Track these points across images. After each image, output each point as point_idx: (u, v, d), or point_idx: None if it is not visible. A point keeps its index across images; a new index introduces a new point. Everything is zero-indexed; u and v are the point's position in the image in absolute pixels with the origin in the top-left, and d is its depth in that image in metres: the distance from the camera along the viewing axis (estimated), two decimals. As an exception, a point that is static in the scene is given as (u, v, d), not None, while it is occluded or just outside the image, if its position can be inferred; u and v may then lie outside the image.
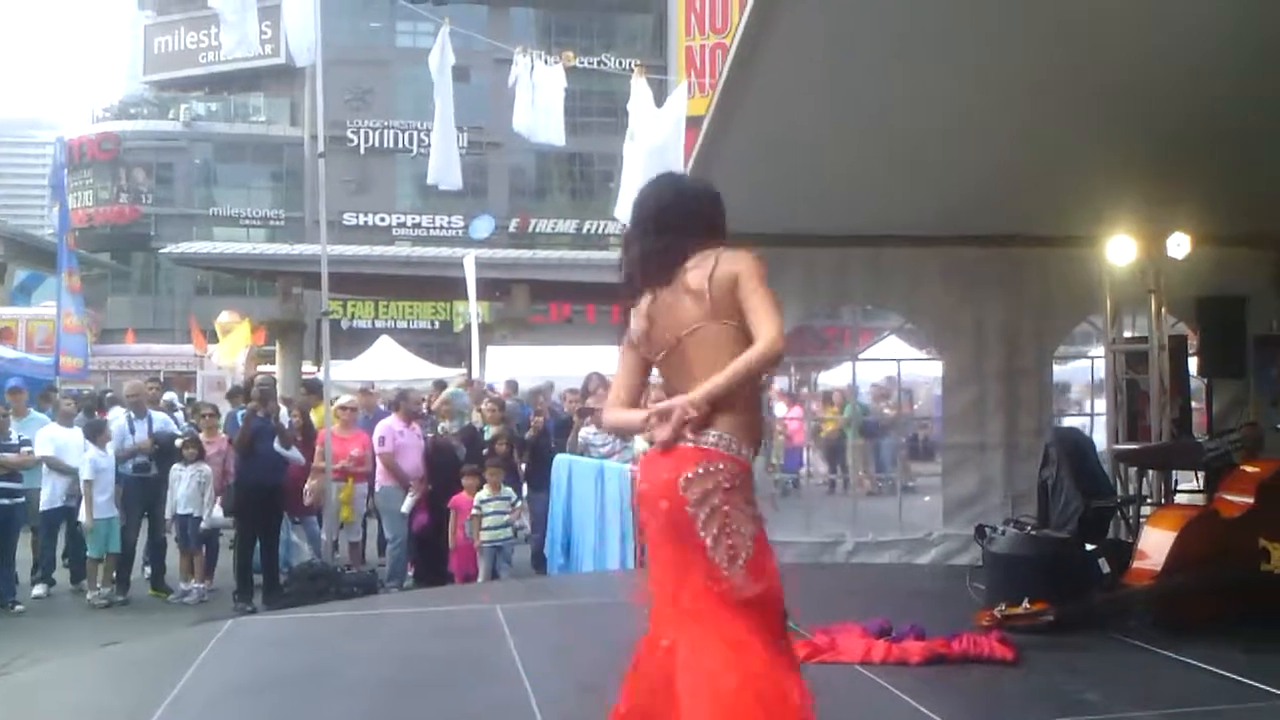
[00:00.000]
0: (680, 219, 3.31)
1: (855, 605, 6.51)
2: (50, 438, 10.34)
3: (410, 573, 10.46)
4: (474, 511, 9.55)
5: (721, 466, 3.05)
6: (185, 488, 10.10)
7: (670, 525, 3.07)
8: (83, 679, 6.04)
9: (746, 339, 3.10)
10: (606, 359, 16.71)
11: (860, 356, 10.86)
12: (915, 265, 8.76)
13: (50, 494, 10.22)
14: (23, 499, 10.16)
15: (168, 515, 10.25)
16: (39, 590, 10.21)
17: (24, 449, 10.12)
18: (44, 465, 10.23)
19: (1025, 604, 5.82)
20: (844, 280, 8.86)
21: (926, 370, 13.74)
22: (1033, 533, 6.78)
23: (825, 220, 8.21)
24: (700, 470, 3.03)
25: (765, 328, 3.08)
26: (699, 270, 3.18)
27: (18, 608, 9.64)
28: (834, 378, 18.04)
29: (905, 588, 7.67)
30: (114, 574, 10.01)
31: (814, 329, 10.76)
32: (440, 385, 15.41)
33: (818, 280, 8.75)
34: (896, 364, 10.84)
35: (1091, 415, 11.31)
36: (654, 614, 3.17)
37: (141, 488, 10.27)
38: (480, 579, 9.51)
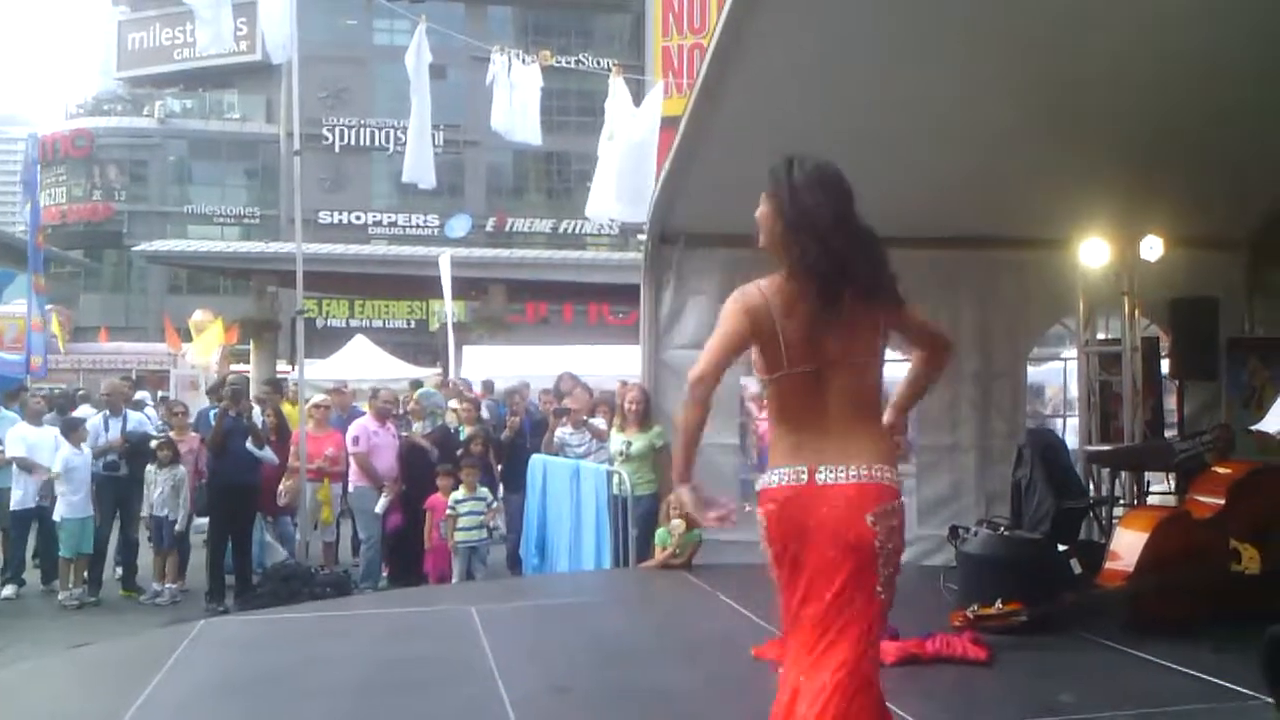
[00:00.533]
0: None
1: (830, 606, 6.51)
2: (21, 437, 10.24)
3: (384, 573, 10.41)
4: (448, 512, 9.51)
5: (899, 504, 3.09)
6: (160, 490, 10.00)
7: (849, 556, 3.01)
8: (53, 680, 5.98)
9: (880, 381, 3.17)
10: (582, 359, 16.74)
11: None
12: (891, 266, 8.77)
13: (21, 494, 10.13)
14: (-9, 498, 10.08)
15: (144, 515, 10.14)
16: (8, 591, 10.11)
17: (-5, 449, 10.03)
18: (14, 465, 10.13)
19: (998, 604, 5.84)
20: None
21: (901, 371, 13.80)
22: (1006, 533, 6.80)
23: (801, 221, 8.21)
24: (888, 507, 3.04)
25: (939, 335, 3.37)
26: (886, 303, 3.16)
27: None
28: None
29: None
30: (85, 574, 9.92)
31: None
32: (416, 385, 15.35)
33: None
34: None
35: (1064, 417, 11.37)
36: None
37: (113, 486, 10.18)
38: (455, 579, 9.47)
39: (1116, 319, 8.63)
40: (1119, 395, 8.44)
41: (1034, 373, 11.27)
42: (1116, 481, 8.28)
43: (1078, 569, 6.59)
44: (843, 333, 3.06)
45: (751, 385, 8.51)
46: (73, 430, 10.04)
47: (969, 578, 6.54)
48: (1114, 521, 7.40)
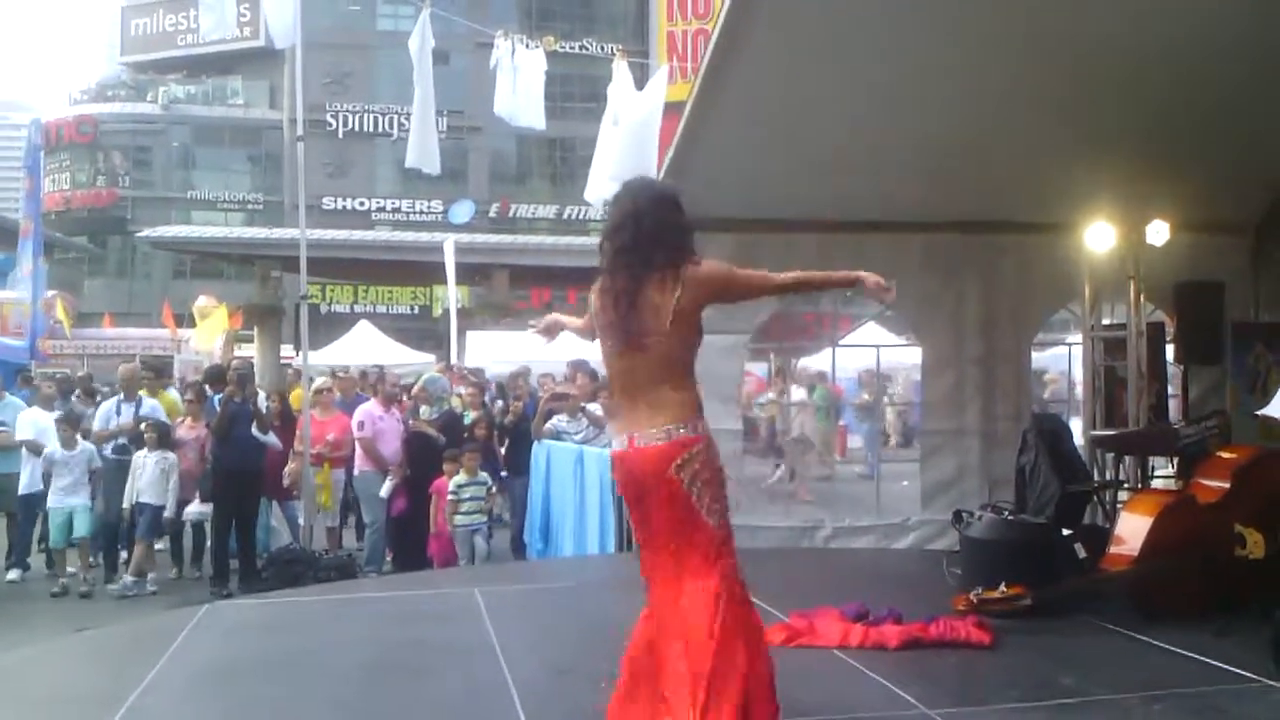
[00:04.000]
0: (659, 231, 3.79)
1: (833, 590, 6.52)
2: (31, 421, 10.27)
3: (388, 558, 10.43)
4: (450, 496, 9.54)
5: (698, 449, 3.70)
6: (148, 475, 9.89)
7: (668, 501, 3.67)
8: (57, 664, 5.99)
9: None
10: (585, 344, 16.68)
11: (840, 343, 10.86)
12: (895, 251, 8.73)
13: (30, 478, 10.15)
14: (1, 485, 10.09)
15: (125, 504, 9.94)
16: (13, 575, 10.14)
17: (1, 430, 10.03)
18: (23, 449, 10.15)
19: (1002, 588, 5.84)
20: (823, 267, 8.78)
21: (905, 356, 13.80)
22: (1010, 518, 6.80)
23: (805, 206, 8.20)
24: (688, 455, 3.66)
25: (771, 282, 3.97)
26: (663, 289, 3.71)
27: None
28: (813, 364, 18.10)
29: (882, 572, 7.70)
30: (92, 559, 9.93)
31: (792, 315, 10.74)
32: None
33: (796, 266, 8.67)
34: (876, 350, 10.86)
35: (1069, 402, 11.36)
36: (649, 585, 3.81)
37: (121, 471, 10.19)
38: (460, 563, 9.50)
39: (1122, 304, 8.60)
40: (1123, 380, 8.42)
41: (1037, 358, 11.26)
42: (1121, 466, 8.26)
43: (1082, 553, 6.58)
44: (635, 317, 3.68)
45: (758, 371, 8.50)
46: (70, 423, 9.99)
47: (973, 562, 6.54)
48: (1118, 506, 7.39)
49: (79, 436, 10.01)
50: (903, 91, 6.67)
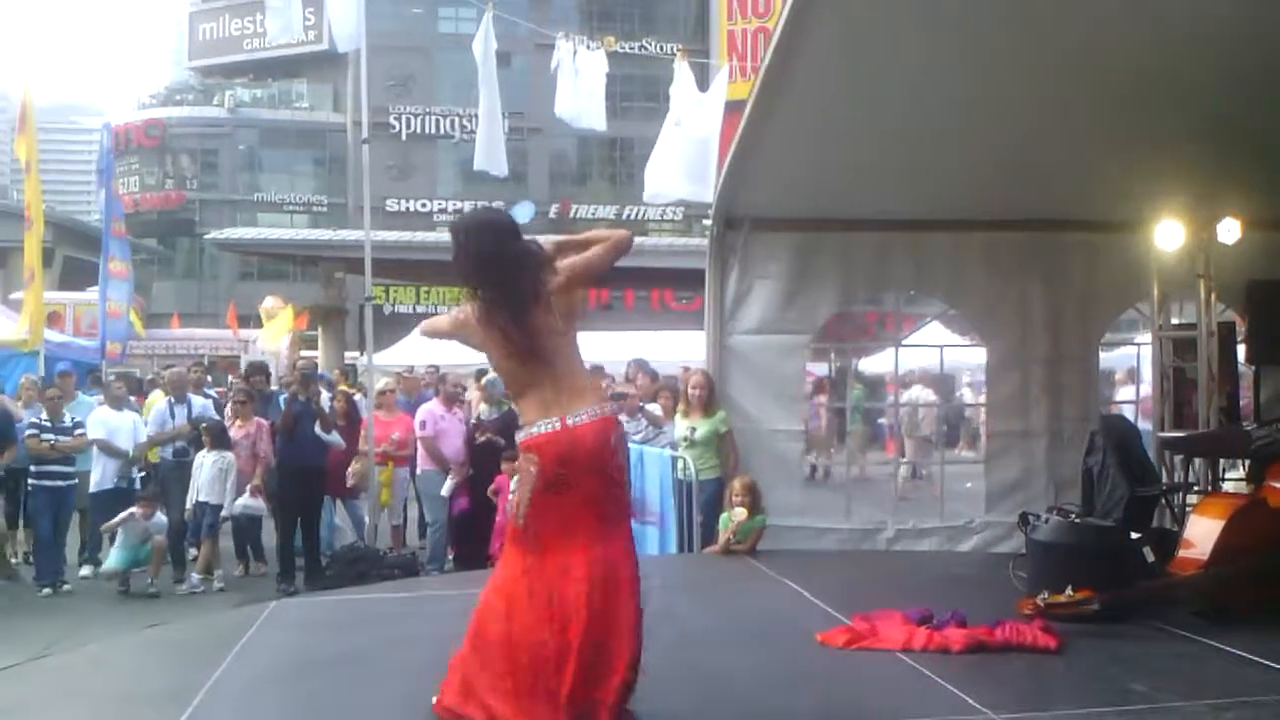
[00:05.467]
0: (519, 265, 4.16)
1: (896, 592, 6.47)
2: (101, 420, 10.48)
3: (450, 556, 10.52)
4: (511, 495, 9.59)
5: (619, 426, 4.31)
6: (207, 474, 10.09)
7: (603, 469, 4.13)
8: (126, 660, 6.10)
9: None
10: (645, 344, 16.74)
11: (903, 343, 10.77)
12: (958, 250, 8.69)
13: (100, 476, 10.37)
14: (75, 481, 10.30)
15: (188, 505, 10.21)
16: (85, 571, 10.35)
17: (77, 431, 10.25)
18: (94, 448, 10.36)
19: (1069, 592, 5.75)
20: (885, 265, 8.79)
21: (969, 357, 13.65)
22: (1077, 521, 6.69)
23: (866, 204, 8.16)
24: (620, 432, 4.28)
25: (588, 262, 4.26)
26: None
27: (65, 588, 9.78)
28: (876, 364, 17.96)
29: (946, 575, 7.61)
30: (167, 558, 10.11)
31: (854, 314, 10.66)
32: (481, 374, 15.46)
33: (857, 265, 8.70)
34: (939, 350, 10.76)
35: (1137, 403, 11.17)
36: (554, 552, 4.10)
37: (181, 473, 10.37)
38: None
39: (1191, 303, 8.45)
40: (1193, 381, 8.27)
41: (1104, 358, 11.08)
42: (1190, 469, 8.11)
43: (1151, 557, 6.48)
44: (533, 342, 4.10)
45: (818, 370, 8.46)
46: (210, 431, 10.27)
47: (1039, 565, 6.45)
48: (1188, 509, 7.26)
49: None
50: (965, 89, 6.59)
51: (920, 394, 15.70)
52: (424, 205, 41.96)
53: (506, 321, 4.09)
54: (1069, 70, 6.37)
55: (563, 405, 4.12)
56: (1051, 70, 6.39)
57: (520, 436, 4.22)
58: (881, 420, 20.09)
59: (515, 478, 9.46)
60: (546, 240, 4.36)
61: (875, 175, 7.60)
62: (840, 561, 8.03)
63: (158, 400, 11.25)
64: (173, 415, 10.67)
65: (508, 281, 4.11)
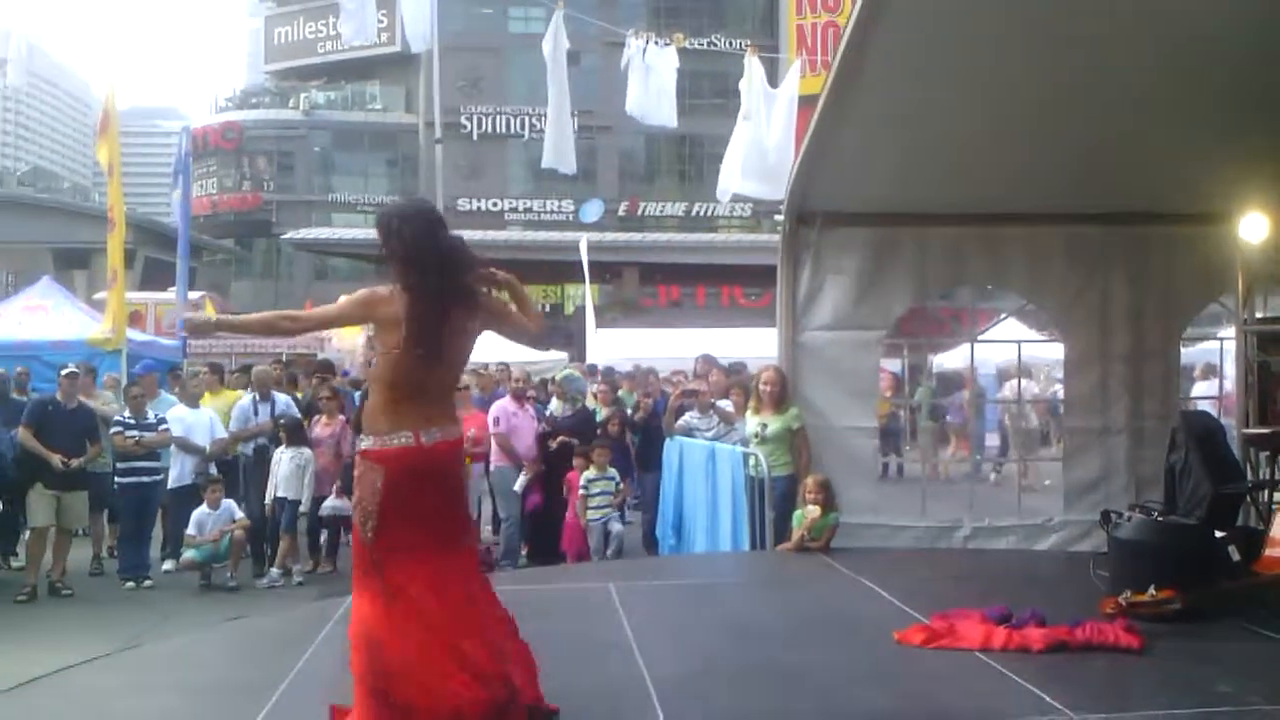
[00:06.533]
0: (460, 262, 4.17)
1: (973, 591, 6.41)
2: (179, 417, 10.68)
3: (524, 551, 10.60)
4: (581, 491, 9.68)
5: (464, 445, 4.44)
6: (284, 470, 10.25)
7: (449, 486, 4.21)
8: (210, 652, 6.23)
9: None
10: (715, 341, 16.75)
11: (979, 338, 10.64)
12: (1036, 244, 8.56)
13: (179, 472, 10.58)
14: (160, 476, 10.52)
15: (266, 500, 10.38)
16: (168, 565, 10.56)
17: (161, 428, 10.47)
18: (173, 444, 10.58)
19: (1151, 591, 5.67)
20: (960, 260, 8.69)
21: (1045, 352, 13.42)
22: (1160, 519, 6.58)
23: (941, 199, 8.08)
24: (463, 451, 4.45)
25: (528, 324, 4.49)
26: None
27: (147, 583, 10.00)
28: (950, 360, 17.72)
29: (1025, 573, 7.51)
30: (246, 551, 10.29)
31: (928, 310, 10.54)
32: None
33: (932, 260, 8.61)
34: (1017, 346, 10.60)
35: (1220, 398, 10.93)
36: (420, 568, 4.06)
37: (261, 469, 10.55)
38: (592, 557, 9.61)
39: (1277, 297, 8.26)
40: (1278, 376, 8.07)
41: (1185, 353, 10.85)
42: (1276, 466, 7.91)
43: (1235, 556, 6.33)
44: (450, 341, 4.11)
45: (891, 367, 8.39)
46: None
47: (1121, 564, 6.35)
48: (1274, 507, 7.08)
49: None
50: (1043, 80, 6.49)
51: (1026, 386, 15.08)
52: (494, 204, 42.24)
53: (429, 313, 4.03)
54: (1153, 62, 6.25)
55: (427, 419, 4.08)
56: (1134, 61, 6.27)
57: (367, 444, 4.12)
58: (950, 417, 19.88)
59: (584, 475, 9.60)
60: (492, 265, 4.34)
61: (950, 169, 7.51)
62: (916, 559, 7.95)
63: (240, 396, 11.45)
64: (256, 412, 10.86)
65: (444, 273, 4.06)
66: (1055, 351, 9.69)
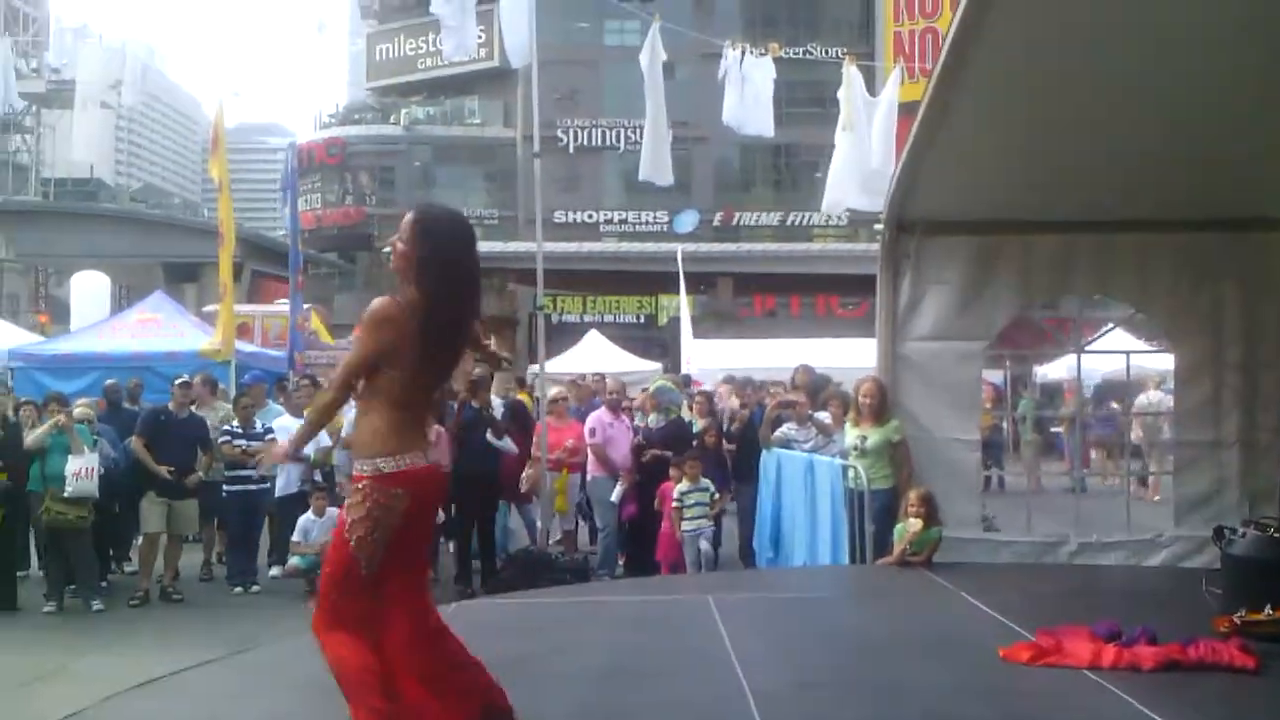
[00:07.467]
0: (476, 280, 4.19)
1: (1080, 607, 6.26)
2: (284, 427, 10.92)
3: (620, 561, 10.64)
4: (675, 503, 9.69)
5: None
6: None
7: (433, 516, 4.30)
8: (316, 657, 6.35)
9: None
10: (811, 351, 16.63)
11: (1086, 349, 10.40)
12: (1146, 252, 8.35)
13: (285, 480, 10.83)
14: (267, 485, 10.79)
15: None
16: (275, 571, 10.81)
17: (267, 437, 10.74)
18: (279, 454, 10.83)
19: (1268, 611, 5.48)
20: (1067, 269, 8.51)
21: (1151, 363, 13.09)
22: (1277, 535, 6.36)
23: (1046, 206, 7.92)
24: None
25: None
26: None
27: (255, 588, 10.25)
28: (1054, 371, 17.38)
29: (1134, 590, 7.33)
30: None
31: (1032, 321, 10.34)
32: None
33: (1037, 269, 8.44)
34: (1125, 356, 10.36)
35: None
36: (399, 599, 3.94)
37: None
38: (688, 569, 9.60)
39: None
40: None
41: None
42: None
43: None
44: (456, 360, 4.12)
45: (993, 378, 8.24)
46: None
47: (1236, 581, 6.15)
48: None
49: None
50: (1153, 82, 6.32)
51: (1158, 397, 14.60)
52: (590, 216, 42.52)
53: (448, 326, 3.91)
54: (1266, 62, 6.06)
55: (420, 443, 3.96)
56: (1250, 62, 6.08)
57: (386, 466, 3.82)
58: (1057, 429, 19.47)
59: (677, 487, 9.60)
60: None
61: (1055, 176, 7.36)
62: (1020, 575, 7.80)
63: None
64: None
65: (466, 290, 4.00)
66: (1162, 362, 9.42)
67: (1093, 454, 16.63)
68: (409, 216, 4.09)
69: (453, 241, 4.00)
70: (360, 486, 3.84)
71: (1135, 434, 14.52)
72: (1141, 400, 15.04)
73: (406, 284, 3.96)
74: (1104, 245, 8.36)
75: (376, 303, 3.95)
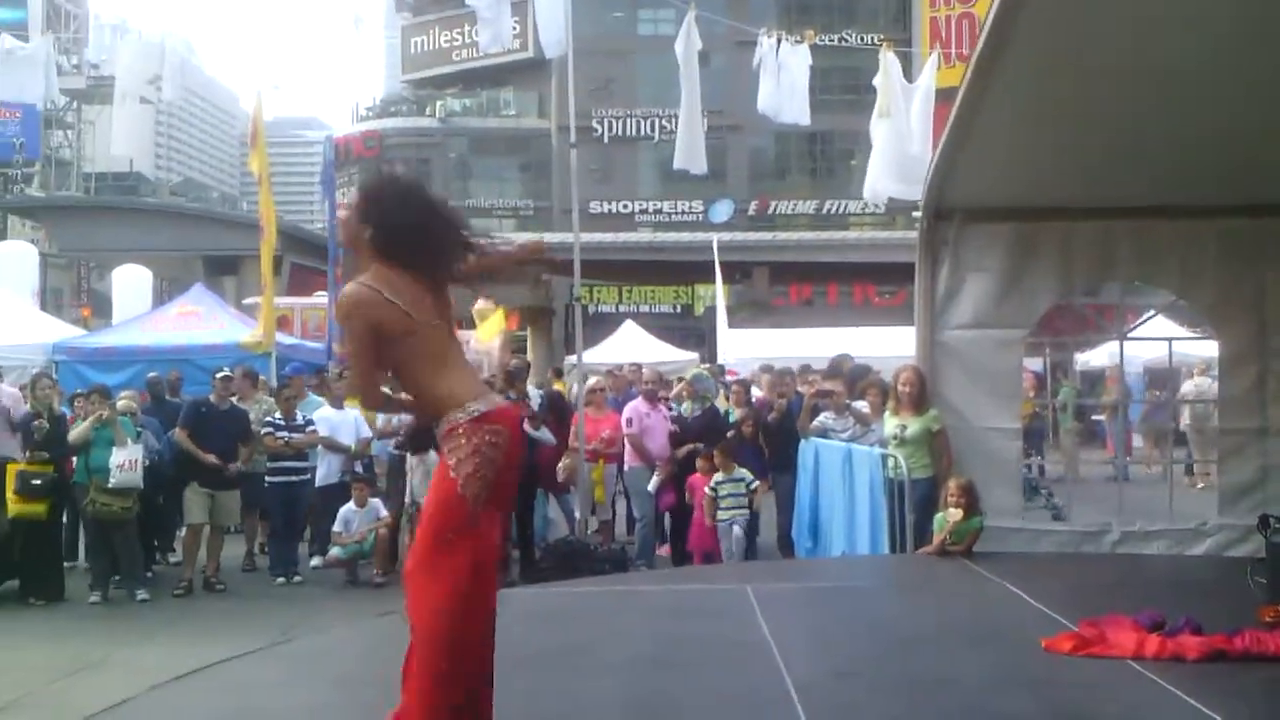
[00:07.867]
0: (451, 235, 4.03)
1: (1123, 597, 6.20)
2: (324, 418, 11.02)
3: (663, 552, 10.66)
4: (709, 492, 9.68)
5: None
6: (416, 477, 10.33)
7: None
8: (359, 646, 6.42)
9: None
10: (848, 340, 16.55)
11: (1128, 336, 10.29)
12: (1189, 238, 8.24)
13: (325, 471, 10.92)
14: (308, 476, 10.88)
15: (406, 499, 10.47)
16: (316, 561, 10.90)
17: (308, 429, 10.83)
18: (320, 444, 10.92)
19: (1316, 601, 5.41)
20: (1108, 256, 8.42)
21: (1194, 350, 12.93)
22: (1324, 524, 6.28)
23: (1086, 192, 7.83)
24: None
25: None
26: None
27: (297, 579, 10.35)
28: (1096, 358, 17.20)
29: (1178, 579, 7.25)
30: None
31: (1073, 307, 10.24)
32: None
33: (1077, 256, 8.36)
34: (1168, 343, 10.23)
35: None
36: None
37: (400, 468, 10.80)
38: (724, 559, 9.60)
39: None
40: None
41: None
42: None
43: None
44: (440, 298, 3.94)
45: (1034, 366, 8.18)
46: None
47: (1283, 571, 6.08)
48: None
49: None
50: (1195, 66, 6.23)
51: (1205, 384, 14.17)
52: (625, 206, 42.46)
53: (433, 282, 3.89)
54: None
55: (481, 389, 3.96)
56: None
57: (478, 408, 3.80)
58: (1098, 417, 19.28)
59: (714, 476, 9.59)
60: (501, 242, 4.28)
61: (1096, 161, 7.28)
62: (1062, 564, 7.74)
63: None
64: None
65: (444, 245, 3.93)
66: (1206, 349, 9.31)
67: (1138, 441, 16.45)
68: (354, 194, 4.18)
69: (403, 207, 3.89)
70: (460, 430, 3.78)
71: (1182, 421, 14.36)
72: (1188, 387, 14.86)
73: (363, 258, 3.93)
74: (1144, 231, 8.26)
75: (341, 297, 3.93)
